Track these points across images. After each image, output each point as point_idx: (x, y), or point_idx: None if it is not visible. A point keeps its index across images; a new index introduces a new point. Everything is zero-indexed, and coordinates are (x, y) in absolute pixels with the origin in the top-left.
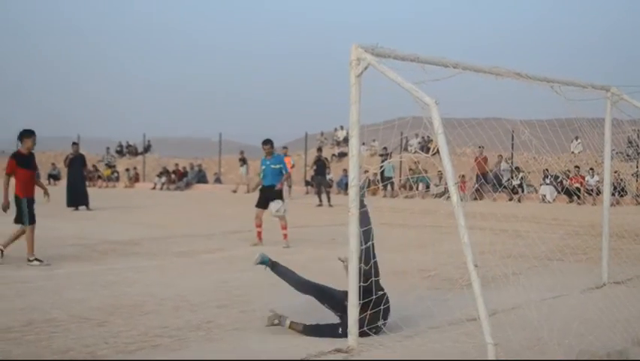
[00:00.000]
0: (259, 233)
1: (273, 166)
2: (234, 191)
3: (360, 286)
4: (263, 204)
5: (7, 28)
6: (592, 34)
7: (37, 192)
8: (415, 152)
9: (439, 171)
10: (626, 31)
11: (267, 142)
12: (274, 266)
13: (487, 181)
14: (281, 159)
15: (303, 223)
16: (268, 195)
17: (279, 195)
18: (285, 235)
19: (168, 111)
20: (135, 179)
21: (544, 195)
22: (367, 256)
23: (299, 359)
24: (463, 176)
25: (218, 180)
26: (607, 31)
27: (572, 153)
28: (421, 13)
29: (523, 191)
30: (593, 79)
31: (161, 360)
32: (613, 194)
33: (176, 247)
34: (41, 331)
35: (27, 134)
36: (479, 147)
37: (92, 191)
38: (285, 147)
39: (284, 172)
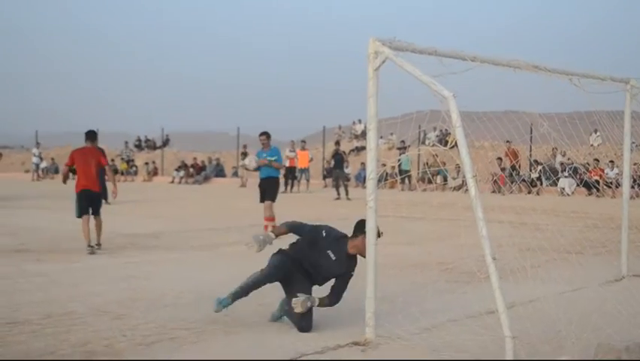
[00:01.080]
0: (273, 227)
1: (269, 158)
2: (243, 185)
3: None
4: (264, 197)
5: (28, 30)
6: (610, 25)
7: None
8: (433, 145)
9: (457, 165)
10: None
11: (263, 134)
12: (236, 297)
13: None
14: (277, 151)
15: (320, 217)
16: (266, 187)
17: (275, 187)
18: (267, 226)
19: (187, 106)
20: (154, 173)
21: (563, 188)
22: None
23: (316, 351)
24: (503, 170)
25: (236, 174)
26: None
27: (592, 145)
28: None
29: (542, 184)
30: (613, 71)
31: (173, 360)
32: (632, 186)
33: (194, 240)
34: (60, 323)
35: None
36: (507, 142)
37: (110, 185)
38: (303, 141)
39: (278, 163)
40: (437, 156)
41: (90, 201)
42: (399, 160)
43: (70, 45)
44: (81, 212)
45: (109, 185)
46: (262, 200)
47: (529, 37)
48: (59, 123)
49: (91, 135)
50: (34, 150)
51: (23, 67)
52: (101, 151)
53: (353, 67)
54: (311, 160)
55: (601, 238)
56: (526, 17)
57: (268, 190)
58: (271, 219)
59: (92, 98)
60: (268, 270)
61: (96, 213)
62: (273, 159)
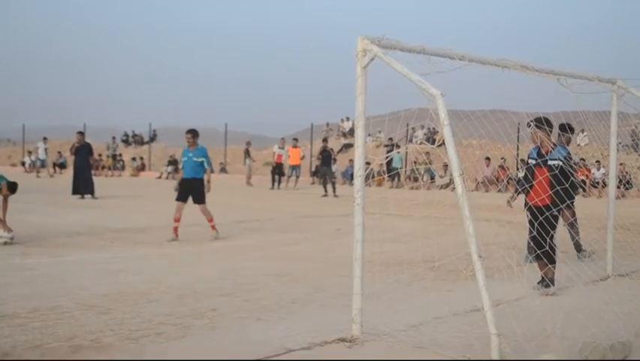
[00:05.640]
0: (175, 228)
1: (195, 159)
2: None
3: None
4: (183, 197)
5: (17, 23)
6: (595, 24)
7: None
8: (421, 143)
9: (445, 163)
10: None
11: (189, 132)
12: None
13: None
14: (204, 152)
15: (308, 213)
16: (187, 188)
17: (199, 190)
18: (213, 227)
19: (174, 101)
20: (141, 168)
21: None
22: None
23: (302, 346)
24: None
25: (223, 170)
26: (610, 20)
27: (578, 145)
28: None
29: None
30: (598, 71)
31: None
32: (618, 187)
33: (181, 235)
34: (47, 318)
35: None
36: (501, 158)
37: (97, 180)
38: (295, 139)
39: (206, 166)
40: (429, 153)
41: None
42: (387, 157)
43: (58, 38)
44: None
45: (96, 179)
46: (179, 199)
47: (523, 39)
48: (46, 117)
49: None
50: (40, 145)
51: (9, 61)
52: None
53: (341, 64)
54: (302, 158)
55: (586, 238)
56: (519, 19)
57: (193, 193)
58: (210, 219)
59: (78, 92)
60: None
61: None
62: (199, 160)
